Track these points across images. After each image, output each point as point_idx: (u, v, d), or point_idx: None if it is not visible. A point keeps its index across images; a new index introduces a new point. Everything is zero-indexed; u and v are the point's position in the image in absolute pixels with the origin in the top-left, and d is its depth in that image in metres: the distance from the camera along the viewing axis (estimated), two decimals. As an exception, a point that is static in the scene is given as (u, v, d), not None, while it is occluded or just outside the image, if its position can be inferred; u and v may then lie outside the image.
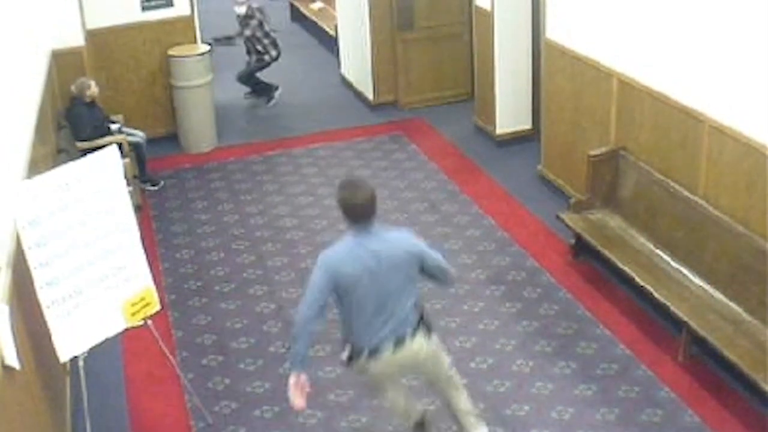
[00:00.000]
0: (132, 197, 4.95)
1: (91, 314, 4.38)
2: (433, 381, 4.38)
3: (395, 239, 3.99)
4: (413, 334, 4.07)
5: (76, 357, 4.39)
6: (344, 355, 4.15)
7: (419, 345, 4.10)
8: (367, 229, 3.88)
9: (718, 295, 5.18)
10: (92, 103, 7.36)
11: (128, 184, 4.99)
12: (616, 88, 6.20)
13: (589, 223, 6.14)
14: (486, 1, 7.96)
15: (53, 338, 4.22)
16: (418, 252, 4.00)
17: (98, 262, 4.39)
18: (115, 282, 4.48)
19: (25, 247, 4.08)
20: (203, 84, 8.65)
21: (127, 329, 4.65)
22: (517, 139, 8.30)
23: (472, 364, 5.31)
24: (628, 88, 6.05)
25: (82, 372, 4.43)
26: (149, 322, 4.72)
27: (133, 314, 4.59)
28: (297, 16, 13.51)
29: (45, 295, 4.17)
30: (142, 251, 4.64)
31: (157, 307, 4.76)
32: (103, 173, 4.43)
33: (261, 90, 10.08)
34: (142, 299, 4.63)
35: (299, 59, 11.82)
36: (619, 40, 6.10)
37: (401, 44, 9.35)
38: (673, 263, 5.54)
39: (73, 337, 4.30)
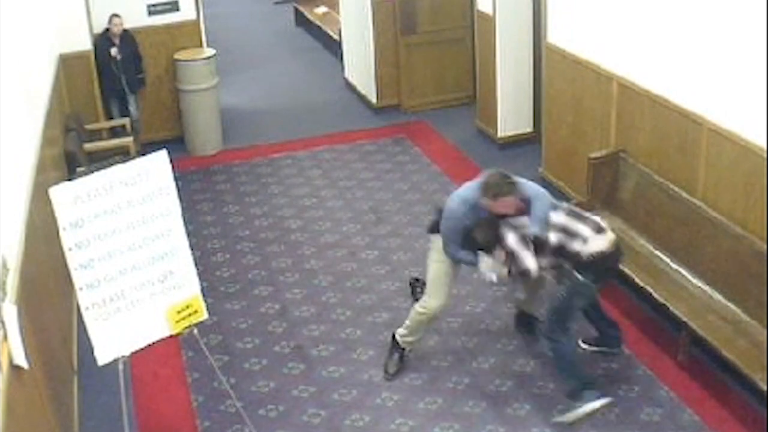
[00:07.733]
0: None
1: (134, 319, 4.28)
2: None
3: None
4: None
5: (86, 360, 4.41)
6: None
7: None
8: None
9: (717, 296, 5.22)
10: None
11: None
12: (616, 91, 6.25)
13: (590, 225, 6.18)
14: (488, 5, 8.02)
15: (92, 341, 4.15)
16: None
17: (144, 267, 4.29)
18: (160, 288, 4.35)
19: (65, 248, 4.02)
20: (209, 87, 8.72)
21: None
22: (518, 141, 8.34)
23: (474, 364, 5.36)
24: (628, 91, 6.10)
25: (121, 375, 4.32)
26: (195, 330, 4.57)
27: (178, 321, 4.46)
28: (301, 20, 13.59)
29: (84, 297, 4.10)
30: (190, 258, 4.52)
31: (205, 316, 4.58)
32: (152, 177, 4.34)
33: None
34: (189, 306, 4.48)
35: (303, 63, 11.91)
36: (619, 45, 6.15)
37: (404, 48, 9.40)
38: (672, 264, 5.58)
39: (112, 341, 4.22)
